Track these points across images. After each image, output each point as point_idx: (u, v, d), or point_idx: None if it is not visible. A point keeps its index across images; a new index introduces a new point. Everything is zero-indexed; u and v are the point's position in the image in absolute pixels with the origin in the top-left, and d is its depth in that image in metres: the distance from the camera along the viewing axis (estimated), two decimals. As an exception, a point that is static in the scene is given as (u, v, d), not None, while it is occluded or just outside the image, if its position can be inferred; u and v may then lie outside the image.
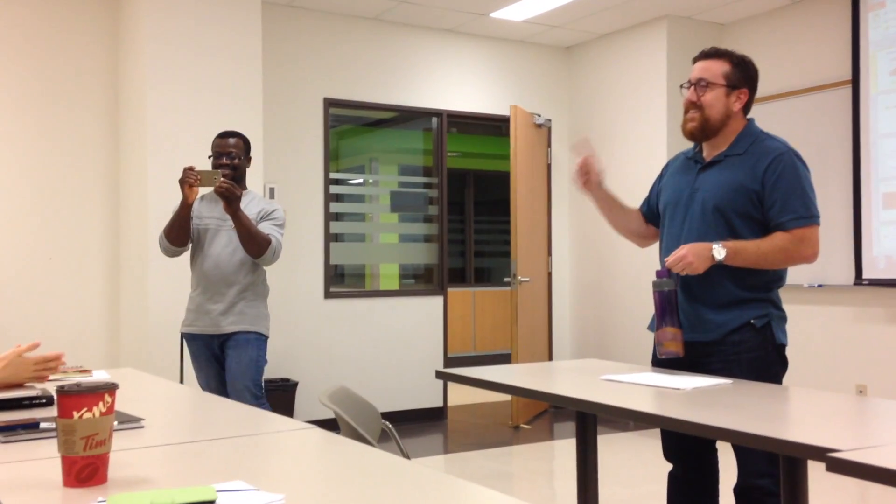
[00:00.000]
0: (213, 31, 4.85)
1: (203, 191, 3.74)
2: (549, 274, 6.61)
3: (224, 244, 3.71)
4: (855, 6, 5.10)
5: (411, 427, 5.83)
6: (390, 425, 2.33)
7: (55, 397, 1.30)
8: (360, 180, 7.97)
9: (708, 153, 2.61)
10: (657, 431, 2.55)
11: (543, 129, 6.56)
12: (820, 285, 5.28)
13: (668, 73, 5.87)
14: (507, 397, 6.01)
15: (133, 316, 4.91)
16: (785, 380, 2.48)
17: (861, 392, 5.12)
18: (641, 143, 6.06)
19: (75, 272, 5.04)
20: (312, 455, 1.55)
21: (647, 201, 2.85)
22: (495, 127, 7.72)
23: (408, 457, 2.12)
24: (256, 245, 3.60)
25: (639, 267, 5.95)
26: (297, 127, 5.72)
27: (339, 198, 6.10)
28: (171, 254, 3.79)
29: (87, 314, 5.05)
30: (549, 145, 6.65)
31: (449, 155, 6.48)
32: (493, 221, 10.63)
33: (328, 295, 5.79)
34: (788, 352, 2.49)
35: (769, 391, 2.19)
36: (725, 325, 2.46)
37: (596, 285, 6.47)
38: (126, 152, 5.06)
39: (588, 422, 2.52)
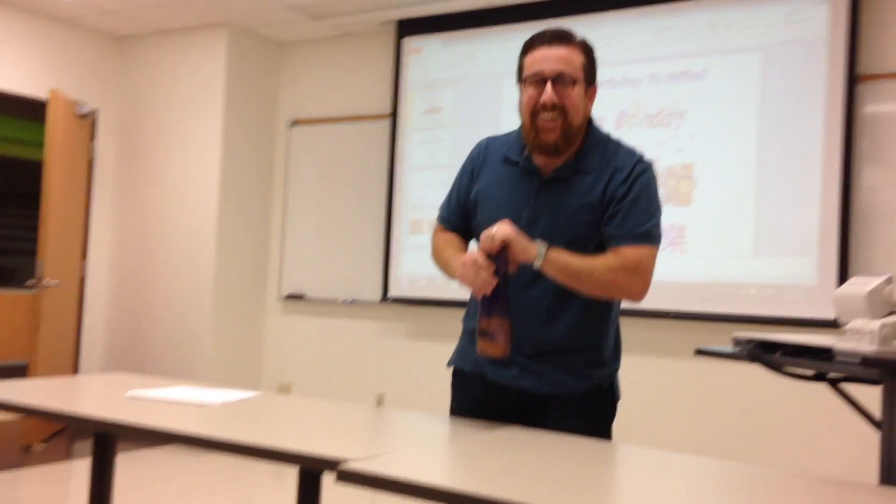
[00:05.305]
0: None
1: None
2: (83, 278, 6.07)
3: None
4: (398, 48, 5.60)
5: None
6: None
7: None
8: None
9: (545, 164, 1.97)
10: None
11: (88, 120, 6.03)
12: (352, 301, 5.65)
13: (226, 81, 5.81)
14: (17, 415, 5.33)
15: None
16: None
17: (380, 402, 5.59)
18: (195, 146, 5.90)
19: None
20: None
21: (457, 209, 2.12)
22: (30, 110, 6.89)
23: None
24: None
25: (185, 277, 5.76)
26: None
27: None
28: None
29: None
30: (92, 138, 6.12)
31: (-33, 134, 5.60)
32: (19, 216, 9.47)
33: None
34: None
35: (300, 402, 2.24)
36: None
37: (137, 293, 6.10)
38: None
39: (106, 441, 2.32)
